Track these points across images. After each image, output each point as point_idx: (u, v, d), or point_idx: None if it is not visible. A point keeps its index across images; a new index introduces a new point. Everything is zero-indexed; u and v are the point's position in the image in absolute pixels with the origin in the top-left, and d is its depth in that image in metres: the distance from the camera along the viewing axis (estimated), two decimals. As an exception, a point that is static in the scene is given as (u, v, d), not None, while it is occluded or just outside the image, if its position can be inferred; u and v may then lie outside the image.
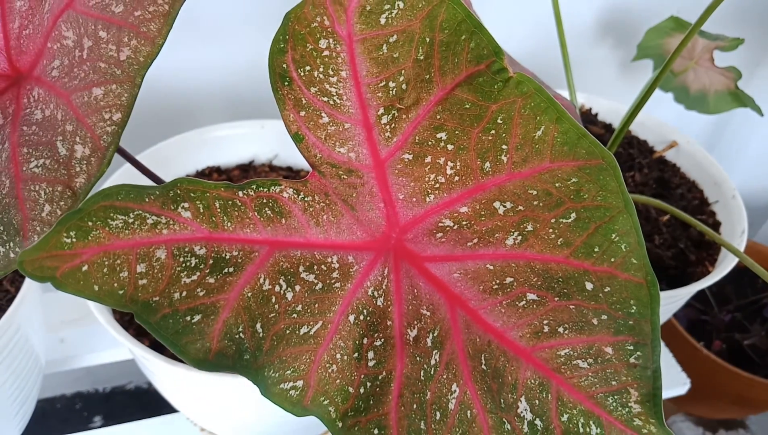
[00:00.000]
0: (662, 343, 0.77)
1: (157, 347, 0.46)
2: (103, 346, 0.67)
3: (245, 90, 0.80)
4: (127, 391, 1.18)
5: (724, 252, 0.59)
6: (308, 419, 0.55)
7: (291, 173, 0.67)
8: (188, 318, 0.24)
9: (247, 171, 0.66)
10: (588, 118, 0.73)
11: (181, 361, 0.45)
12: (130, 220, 0.24)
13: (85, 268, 0.23)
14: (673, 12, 0.85)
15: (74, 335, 0.67)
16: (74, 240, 0.23)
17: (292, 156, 0.68)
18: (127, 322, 0.52)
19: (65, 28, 0.31)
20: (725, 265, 0.55)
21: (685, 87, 0.79)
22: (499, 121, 0.25)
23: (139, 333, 0.50)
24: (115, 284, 0.23)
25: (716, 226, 0.62)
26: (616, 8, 0.91)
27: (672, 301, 0.56)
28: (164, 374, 0.48)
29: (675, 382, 0.74)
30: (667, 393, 0.74)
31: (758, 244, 1.06)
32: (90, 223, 0.23)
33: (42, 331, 0.58)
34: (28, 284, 0.51)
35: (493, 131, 0.26)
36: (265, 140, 0.66)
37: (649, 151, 0.71)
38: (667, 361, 0.75)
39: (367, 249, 0.27)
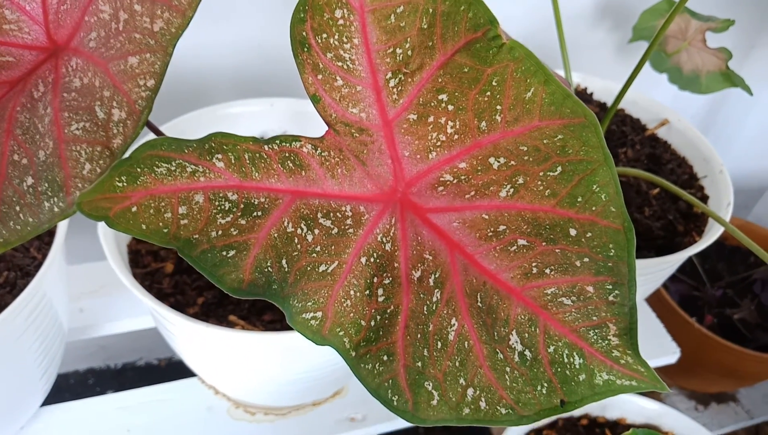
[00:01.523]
0: (653, 314, 0.81)
1: (176, 309, 0.49)
2: (120, 316, 0.70)
3: (253, 69, 0.83)
4: (138, 367, 1.22)
5: (710, 223, 0.63)
6: (319, 382, 0.59)
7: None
8: (224, 253, 0.27)
9: (257, 147, 0.69)
10: (583, 97, 0.76)
11: (202, 321, 0.48)
12: (173, 168, 0.27)
13: (134, 209, 0.26)
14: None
15: (93, 305, 0.70)
16: (125, 184, 0.26)
17: (299, 133, 0.71)
18: (148, 286, 0.55)
19: (102, 2, 0.34)
20: (711, 235, 0.59)
21: (678, 68, 0.81)
22: (494, 83, 0.28)
23: (159, 297, 0.54)
24: (160, 223, 0.27)
25: (704, 199, 0.66)
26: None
27: (661, 268, 0.59)
28: (185, 333, 0.51)
29: (666, 351, 0.77)
30: (658, 362, 0.78)
31: (751, 223, 1.09)
32: (138, 170, 0.27)
33: (66, 299, 0.61)
34: (55, 252, 0.54)
35: (488, 93, 0.29)
36: (274, 117, 0.69)
37: (641, 128, 0.74)
38: (657, 331, 0.79)
39: (377, 200, 0.30)
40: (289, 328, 0.53)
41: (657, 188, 0.66)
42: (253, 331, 0.48)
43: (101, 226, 0.53)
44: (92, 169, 0.34)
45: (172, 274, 0.58)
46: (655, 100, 0.76)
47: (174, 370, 1.20)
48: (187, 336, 0.52)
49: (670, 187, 0.54)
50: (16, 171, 0.34)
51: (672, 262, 0.57)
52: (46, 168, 0.34)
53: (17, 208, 0.34)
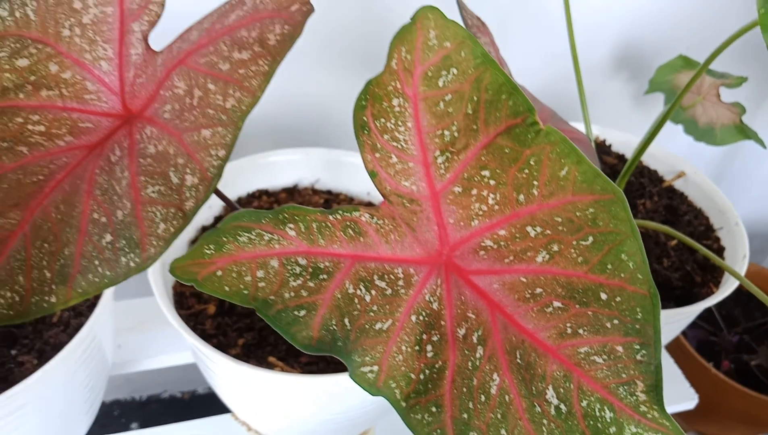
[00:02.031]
0: (672, 360, 0.83)
1: (219, 349, 0.52)
2: (157, 352, 0.73)
3: (287, 119, 0.88)
4: (162, 399, 1.25)
5: (727, 275, 0.65)
6: (351, 422, 0.61)
7: (331, 196, 0.74)
8: (296, 312, 0.30)
9: (292, 194, 0.73)
10: (602, 149, 0.80)
11: (244, 362, 0.51)
12: (253, 237, 0.31)
13: (219, 273, 0.30)
14: (683, 49, 0.92)
15: (131, 341, 0.73)
16: (213, 251, 0.30)
17: (332, 180, 0.75)
18: (193, 326, 0.58)
19: (177, 79, 0.39)
20: (728, 286, 0.61)
21: (693, 120, 0.85)
22: (531, 162, 0.32)
23: (203, 337, 0.57)
24: (241, 286, 0.30)
25: (720, 250, 0.68)
26: (629, 44, 0.98)
27: (679, 318, 0.61)
28: (226, 373, 0.54)
29: (684, 397, 0.79)
30: (677, 407, 0.79)
31: (766, 269, 1.11)
32: (224, 239, 0.30)
33: (112, 335, 0.65)
34: (108, 293, 0.58)
35: (526, 170, 0.32)
36: (309, 166, 0.73)
37: (659, 180, 0.77)
38: (676, 377, 0.80)
39: (424, 263, 0.33)
40: (325, 371, 0.56)
41: (675, 240, 0.69)
42: (292, 373, 0.51)
43: (151, 269, 0.57)
44: (166, 229, 0.37)
45: (214, 315, 0.61)
46: (672, 152, 0.80)
47: (197, 403, 1.22)
48: (228, 375, 0.55)
49: (687, 240, 0.57)
50: (96, 228, 0.38)
51: (690, 313, 0.60)
52: (123, 226, 0.38)
53: (96, 263, 0.38)
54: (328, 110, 0.88)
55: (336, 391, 0.52)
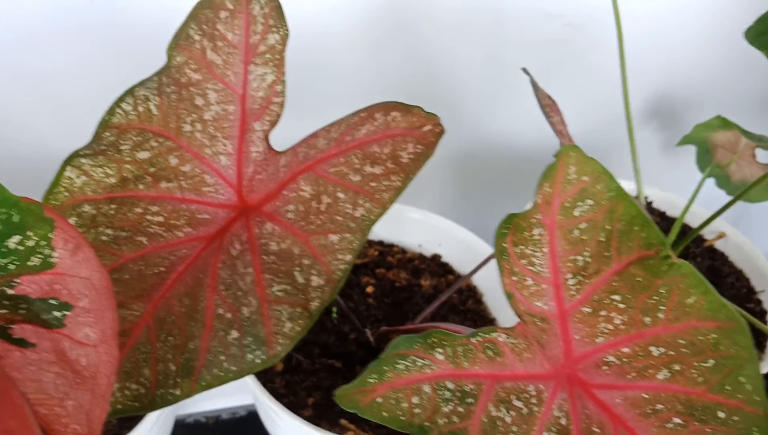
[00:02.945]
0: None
1: (290, 409, 0.54)
2: (211, 395, 0.74)
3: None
4: (187, 424, 1.25)
5: (771, 340, 0.68)
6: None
7: (384, 247, 0.76)
8: (451, 440, 0.32)
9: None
10: (648, 208, 0.82)
11: (316, 423, 0.53)
12: (408, 363, 0.32)
13: (379, 399, 0.31)
14: (715, 101, 0.94)
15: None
16: (375, 380, 0.32)
17: (383, 232, 0.77)
18: (263, 383, 0.60)
19: (304, 184, 0.40)
20: (774, 353, 0.64)
21: (726, 176, 0.88)
22: (661, 291, 0.34)
23: (275, 395, 0.58)
24: (398, 411, 0.32)
25: (762, 314, 0.71)
26: (661, 96, 1.01)
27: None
28: (298, 433, 0.56)
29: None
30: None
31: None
32: (385, 368, 0.32)
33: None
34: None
35: (656, 297, 0.34)
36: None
37: (700, 240, 0.80)
38: None
39: (551, 378, 0.35)
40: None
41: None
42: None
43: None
44: (293, 328, 0.39)
45: (282, 372, 0.62)
46: (712, 213, 0.82)
47: (221, 428, 1.23)
48: (300, 435, 0.57)
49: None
50: (221, 324, 0.40)
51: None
52: (250, 324, 0.39)
53: (222, 358, 0.39)
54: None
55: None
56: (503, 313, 0.69)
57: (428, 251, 0.77)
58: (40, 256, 0.30)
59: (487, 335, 0.34)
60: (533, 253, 0.34)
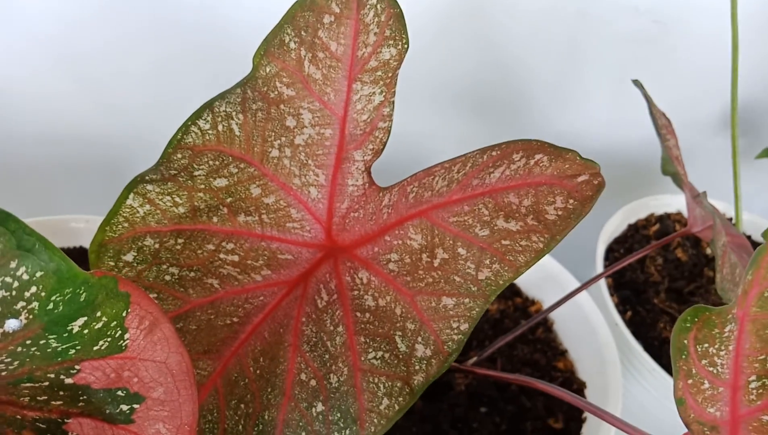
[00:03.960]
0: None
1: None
2: None
3: (391, 157, 0.82)
4: None
5: None
6: None
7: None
8: None
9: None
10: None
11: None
12: None
13: None
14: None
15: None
16: None
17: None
18: None
19: (413, 231, 0.33)
20: None
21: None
22: None
23: None
24: None
25: None
26: (743, 102, 0.92)
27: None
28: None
29: None
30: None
31: None
32: None
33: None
34: None
35: None
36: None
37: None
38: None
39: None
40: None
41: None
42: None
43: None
44: (390, 406, 0.32)
45: None
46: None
47: None
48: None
49: None
50: (304, 393, 0.33)
51: None
52: (339, 396, 0.33)
53: (302, 434, 0.33)
54: (432, 153, 0.82)
55: None
56: (575, 343, 0.63)
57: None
58: (108, 338, 0.24)
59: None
60: (717, 353, 0.28)
